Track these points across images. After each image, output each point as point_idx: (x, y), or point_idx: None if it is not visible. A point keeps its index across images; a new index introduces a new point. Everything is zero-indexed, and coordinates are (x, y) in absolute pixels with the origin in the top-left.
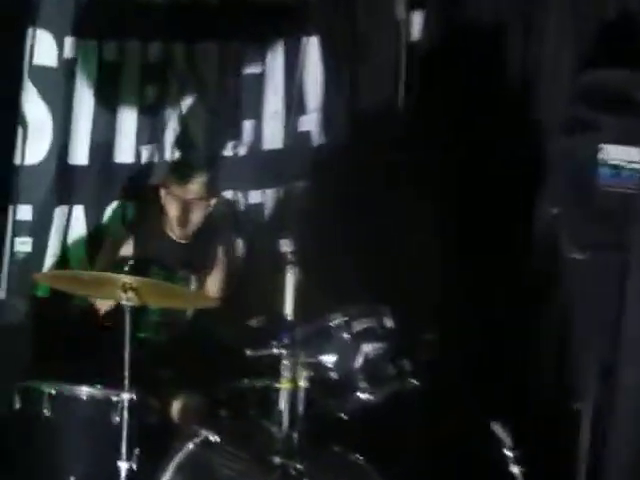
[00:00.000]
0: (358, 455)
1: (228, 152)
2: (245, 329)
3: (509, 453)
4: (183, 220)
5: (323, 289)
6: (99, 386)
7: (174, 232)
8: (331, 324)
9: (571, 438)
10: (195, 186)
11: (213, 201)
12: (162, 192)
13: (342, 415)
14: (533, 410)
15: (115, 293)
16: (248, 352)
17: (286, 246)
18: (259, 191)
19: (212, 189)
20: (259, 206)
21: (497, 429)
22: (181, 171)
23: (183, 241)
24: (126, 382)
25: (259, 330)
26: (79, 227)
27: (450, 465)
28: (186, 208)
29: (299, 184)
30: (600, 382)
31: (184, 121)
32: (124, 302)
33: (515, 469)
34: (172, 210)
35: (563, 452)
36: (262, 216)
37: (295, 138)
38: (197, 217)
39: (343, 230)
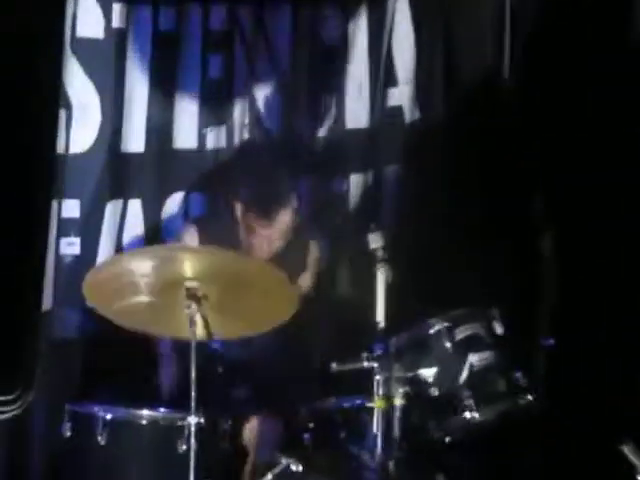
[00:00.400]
0: None
1: (306, 133)
2: (330, 339)
3: None
4: (263, 253)
5: (420, 290)
6: (162, 409)
7: (251, 251)
8: (430, 332)
9: None
10: (280, 224)
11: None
12: (239, 217)
13: (445, 438)
14: None
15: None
16: (334, 366)
17: (375, 241)
18: (342, 178)
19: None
20: (343, 195)
21: (629, 451)
22: (262, 207)
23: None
24: (193, 404)
25: (346, 340)
26: (136, 224)
27: None
28: (268, 244)
29: (389, 169)
30: None
31: (254, 98)
32: (189, 311)
33: None
34: (250, 242)
35: None
36: (347, 207)
37: (383, 115)
38: (279, 246)
39: (442, 221)
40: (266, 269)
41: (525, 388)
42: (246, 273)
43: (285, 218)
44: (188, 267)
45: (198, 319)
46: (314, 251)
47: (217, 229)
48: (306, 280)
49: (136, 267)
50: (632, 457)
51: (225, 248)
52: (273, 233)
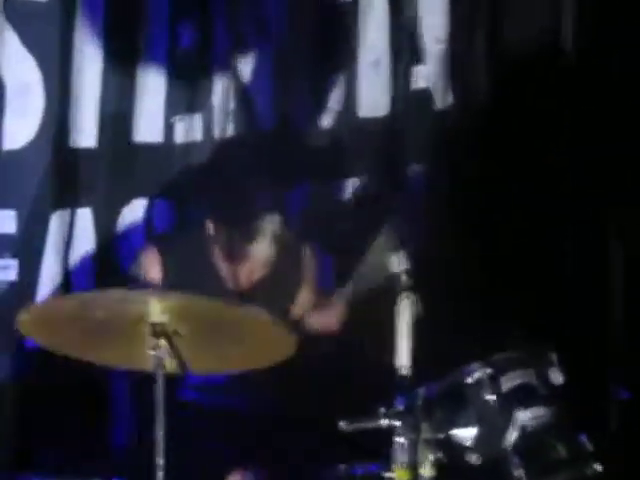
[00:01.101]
0: None
1: (306, 123)
2: (339, 389)
3: None
4: (241, 282)
5: (455, 327)
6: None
7: (228, 279)
8: (468, 380)
9: None
10: (263, 246)
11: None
12: (211, 237)
13: None
14: None
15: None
16: (343, 425)
17: (398, 263)
18: (355, 181)
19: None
20: (354, 204)
21: None
22: (240, 230)
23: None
24: (160, 474)
25: (359, 391)
26: (85, 240)
27: None
28: (247, 273)
29: (414, 169)
30: None
31: (239, 78)
32: (154, 353)
33: None
34: (226, 268)
35: None
36: (360, 219)
37: (407, 100)
38: (261, 272)
39: (483, 237)
40: (249, 314)
41: (592, 454)
42: (225, 317)
43: (266, 245)
44: (154, 308)
45: (167, 358)
46: (310, 262)
47: (185, 251)
48: (305, 298)
49: (88, 313)
50: None
51: (194, 278)
52: (253, 263)
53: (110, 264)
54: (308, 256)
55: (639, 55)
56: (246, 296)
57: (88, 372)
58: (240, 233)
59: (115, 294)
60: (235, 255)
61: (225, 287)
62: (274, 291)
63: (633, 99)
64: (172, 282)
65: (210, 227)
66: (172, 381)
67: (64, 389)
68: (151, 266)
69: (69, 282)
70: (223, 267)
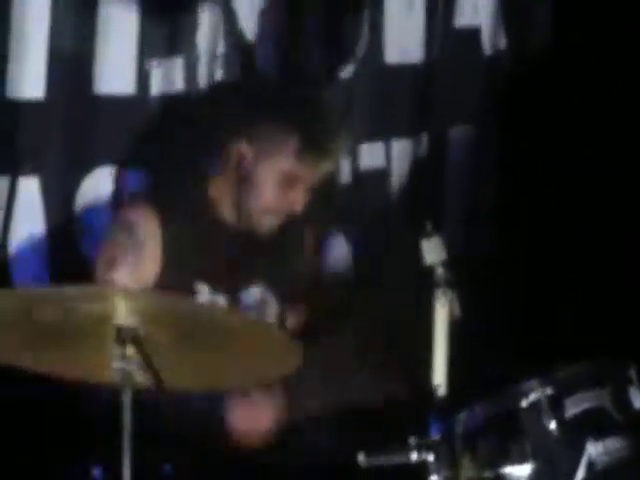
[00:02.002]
0: None
1: (319, 72)
2: (356, 414)
3: None
4: (282, 207)
5: (505, 335)
6: None
7: (249, 220)
8: (523, 404)
9: None
10: (329, 164)
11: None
12: (246, 155)
13: None
14: None
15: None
16: (362, 459)
17: (434, 252)
18: (380, 145)
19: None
20: (380, 174)
21: None
22: (316, 144)
23: (263, 236)
24: None
25: (383, 417)
26: (31, 216)
27: None
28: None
29: (457, 131)
30: None
31: (232, 12)
32: (119, 365)
33: None
34: (266, 192)
35: None
36: (385, 192)
37: (448, 43)
38: (302, 199)
39: (545, 219)
40: (248, 322)
41: None
42: (212, 321)
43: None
44: (121, 308)
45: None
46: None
47: (182, 216)
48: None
49: (34, 314)
50: None
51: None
52: (316, 174)
53: (65, 249)
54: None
55: None
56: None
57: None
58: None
59: (69, 291)
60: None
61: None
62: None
63: None
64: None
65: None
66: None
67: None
68: (146, 222)
69: (7, 271)
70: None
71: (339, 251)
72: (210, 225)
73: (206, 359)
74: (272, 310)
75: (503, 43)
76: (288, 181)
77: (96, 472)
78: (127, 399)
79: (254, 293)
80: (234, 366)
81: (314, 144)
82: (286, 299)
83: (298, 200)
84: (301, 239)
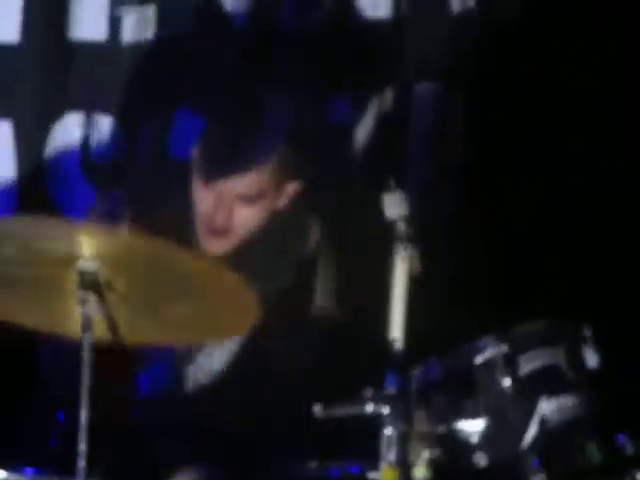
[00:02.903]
0: None
1: (290, 24)
2: (314, 367)
3: None
4: (220, 226)
5: (463, 291)
6: (29, 471)
7: (203, 236)
8: (478, 360)
9: None
10: (249, 179)
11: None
12: (194, 176)
13: None
14: None
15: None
16: (318, 410)
17: (395, 207)
18: (347, 100)
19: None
20: (346, 127)
21: None
22: (220, 152)
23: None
24: (81, 463)
25: (339, 369)
26: (2, 160)
27: None
28: (228, 208)
29: (423, 87)
30: None
31: None
32: (84, 310)
33: None
34: (203, 207)
35: None
36: (350, 147)
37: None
38: (249, 222)
39: (505, 178)
40: (213, 268)
41: (633, 459)
42: (179, 267)
43: (269, 171)
44: (85, 248)
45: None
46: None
47: (141, 187)
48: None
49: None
50: None
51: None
52: (235, 186)
53: (34, 192)
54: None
55: None
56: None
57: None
58: (228, 157)
59: (30, 225)
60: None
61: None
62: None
63: None
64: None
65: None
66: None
67: None
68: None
69: None
70: (203, 208)
71: None
72: None
73: (163, 309)
74: None
75: (472, 2)
76: None
77: (59, 416)
78: (87, 344)
79: None
80: (196, 320)
81: None
82: None
83: None
84: None
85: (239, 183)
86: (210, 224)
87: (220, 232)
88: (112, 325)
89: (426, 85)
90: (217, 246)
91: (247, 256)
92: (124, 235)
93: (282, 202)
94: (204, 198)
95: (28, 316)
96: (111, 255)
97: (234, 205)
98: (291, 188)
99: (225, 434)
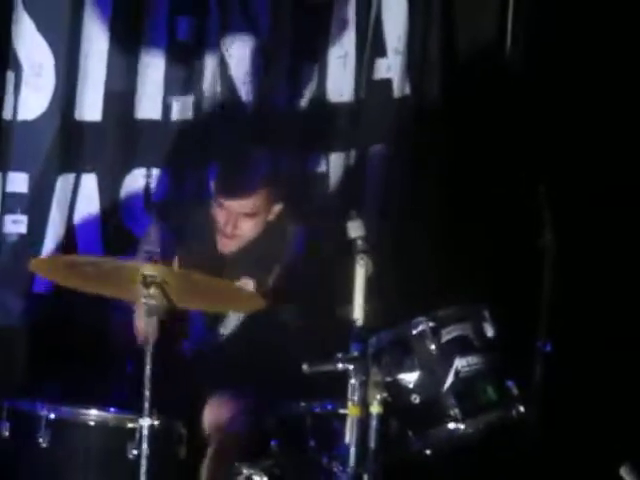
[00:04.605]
0: None
1: (283, 104)
2: (302, 338)
3: None
4: (229, 233)
5: (403, 287)
6: (112, 409)
7: (220, 240)
8: (413, 332)
9: None
10: (248, 202)
11: (275, 210)
12: (213, 201)
13: (426, 450)
14: None
15: (134, 289)
16: (305, 367)
17: (356, 230)
18: (322, 157)
19: (273, 198)
20: (321, 177)
21: (626, 473)
22: (229, 184)
23: (229, 252)
24: (146, 404)
25: (320, 340)
26: (90, 202)
27: None
28: (234, 221)
29: (375, 149)
30: None
31: (227, 65)
32: (145, 300)
33: None
34: (218, 219)
35: None
36: (325, 190)
37: (370, 88)
38: (249, 231)
39: (431, 211)
40: (233, 288)
41: (517, 398)
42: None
43: (261, 197)
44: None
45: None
46: (291, 239)
47: (183, 213)
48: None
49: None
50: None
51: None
52: (238, 207)
53: (113, 224)
54: (291, 235)
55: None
56: (232, 260)
57: (90, 313)
58: (238, 188)
59: (114, 262)
60: (232, 208)
61: (216, 249)
62: (262, 251)
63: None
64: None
65: (211, 185)
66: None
67: (71, 329)
68: (155, 238)
69: (73, 238)
70: (220, 222)
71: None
72: None
73: (198, 297)
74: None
75: (408, 90)
76: None
77: (129, 367)
78: (152, 322)
79: None
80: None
81: None
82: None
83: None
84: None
85: (242, 204)
86: (223, 232)
87: (230, 237)
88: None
89: (377, 147)
90: (228, 246)
91: (248, 253)
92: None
93: (271, 217)
94: (219, 214)
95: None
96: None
97: (239, 219)
98: (277, 208)
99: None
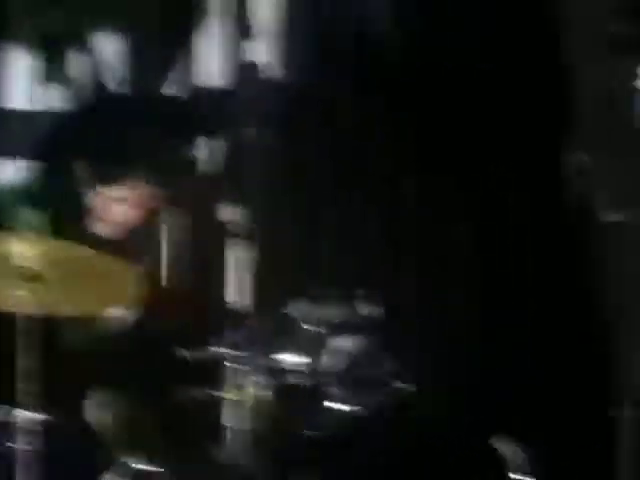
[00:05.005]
0: None
1: (152, 89)
2: (178, 322)
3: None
4: (105, 219)
5: (281, 269)
6: None
7: (95, 226)
8: (292, 314)
9: (605, 456)
10: (124, 188)
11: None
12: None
13: (309, 433)
14: (554, 422)
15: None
16: (182, 352)
17: (230, 214)
18: (195, 142)
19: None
20: (195, 162)
21: (503, 448)
22: (104, 170)
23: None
24: (24, 396)
25: (196, 324)
26: None
27: None
28: (110, 207)
29: (247, 134)
30: None
31: (94, 53)
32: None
33: None
34: (94, 205)
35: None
36: (199, 175)
37: (241, 72)
38: (125, 217)
39: (306, 194)
40: (103, 258)
41: (399, 376)
42: (81, 260)
43: (136, 183)
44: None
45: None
46: (170, 226)
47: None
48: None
49: None
50: (506, 453)
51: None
52: (116, 194)
53: None
54: (167, 222)
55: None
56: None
57: None
58: (113, 176)
59: None
60: (109, 197)
61: (93, 236)
62: (134, 247)
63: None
64: None
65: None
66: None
67: None
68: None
69: None
70: (97, 210)
71: None
72: None
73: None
74: None
75: (281, 74)
76: None
77: None
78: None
79: None
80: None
81: None
82: None
83: None
84: None
85: (117, 190)
86: (100, 218)
87: (106, 223)
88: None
89: (251, 132)
90: (104, 233)
91: (124, 240)
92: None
93: (147, 203)
94: (96, 201)
95: None
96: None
97: (115, 205)
98: (153, 194)
99: None
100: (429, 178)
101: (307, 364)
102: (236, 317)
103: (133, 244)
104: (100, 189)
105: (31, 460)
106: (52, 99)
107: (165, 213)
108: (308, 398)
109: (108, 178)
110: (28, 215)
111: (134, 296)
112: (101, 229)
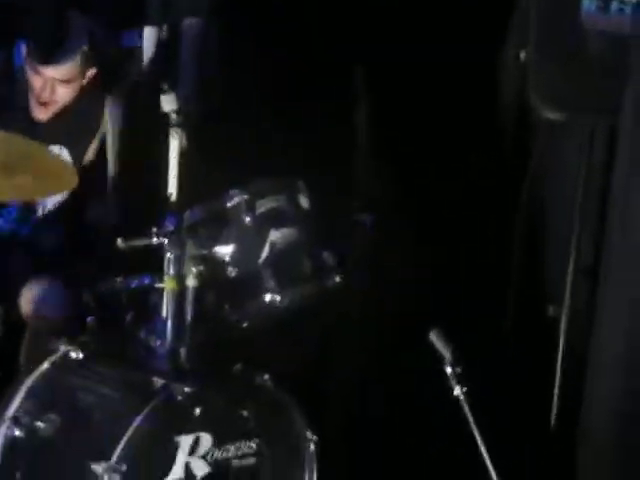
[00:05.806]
0: (264, 374)
1: None
2: (117, 212)
3: (450, 370)
4: (45, 99)
5: (218, 160)
6: None
7: (35, 106)
8: (228, 205)
9: (540, 352)
10: (64, 68)
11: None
12: (28, 67)
13: (243, 322)
14: (488, 316)
15: None
16: (120, 242)
17: (169, 104)
18: (135, 30)
19: (88, 64)
20: (134, 51)
21: (436, 339)
22: (44, 50)
23: (44, 120)
24: None
25: (134, 214)
26: None
27: (378, 386)
28: (51, 87)
29: (188, 23)
30: (581, 278)
31: None
32: None
33: (457, 390)
34: (33, 85)
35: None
36: (139, 64)
37: None
38: (65, 97)
39: (247, 84)
40: (40, 151)
41: (333, 268)
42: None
43: (74, 64)
44: None
45: None
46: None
47: None
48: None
49: None
50: (439, 345)
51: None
52: (53, 72)
53: None
54: (106, 106)
55: None
56: (47, 128)
57: None
58: (49, 52)
59: None
60: (44, 71)
61: (31, 117)
62: (73, 128)
63: None
64: None
65: (23, 49)
66: None
67: None
68: None
69: None
70: (34, 85)
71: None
72: None
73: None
74: None
75: None
76: None
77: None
78: None
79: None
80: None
81: None
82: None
83: None
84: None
85: (58, 71)
86: (38, 98)
87: (45, 104)
88: None
89: (191, 21)
90: (43, 113)
91: (63, 122)
92: None
93: (85, 82)
94: (35, 81)
95: None
96: None
97: (55, 85)
98: (90, 73)
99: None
100: None
101: (242, 255)
102: (175, 208)
103: (67, 127)
104: (40, 68)
105: None
106: None
107: (104, 99)
108: (242, 289)
109: (50, 57)
110: None
111: (68, 182)
112: (39, 111)
